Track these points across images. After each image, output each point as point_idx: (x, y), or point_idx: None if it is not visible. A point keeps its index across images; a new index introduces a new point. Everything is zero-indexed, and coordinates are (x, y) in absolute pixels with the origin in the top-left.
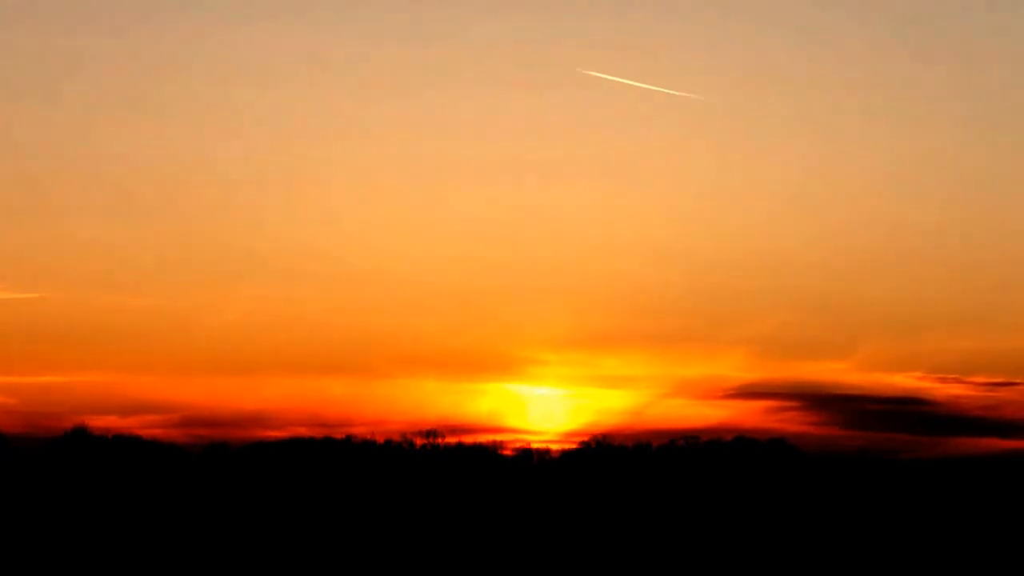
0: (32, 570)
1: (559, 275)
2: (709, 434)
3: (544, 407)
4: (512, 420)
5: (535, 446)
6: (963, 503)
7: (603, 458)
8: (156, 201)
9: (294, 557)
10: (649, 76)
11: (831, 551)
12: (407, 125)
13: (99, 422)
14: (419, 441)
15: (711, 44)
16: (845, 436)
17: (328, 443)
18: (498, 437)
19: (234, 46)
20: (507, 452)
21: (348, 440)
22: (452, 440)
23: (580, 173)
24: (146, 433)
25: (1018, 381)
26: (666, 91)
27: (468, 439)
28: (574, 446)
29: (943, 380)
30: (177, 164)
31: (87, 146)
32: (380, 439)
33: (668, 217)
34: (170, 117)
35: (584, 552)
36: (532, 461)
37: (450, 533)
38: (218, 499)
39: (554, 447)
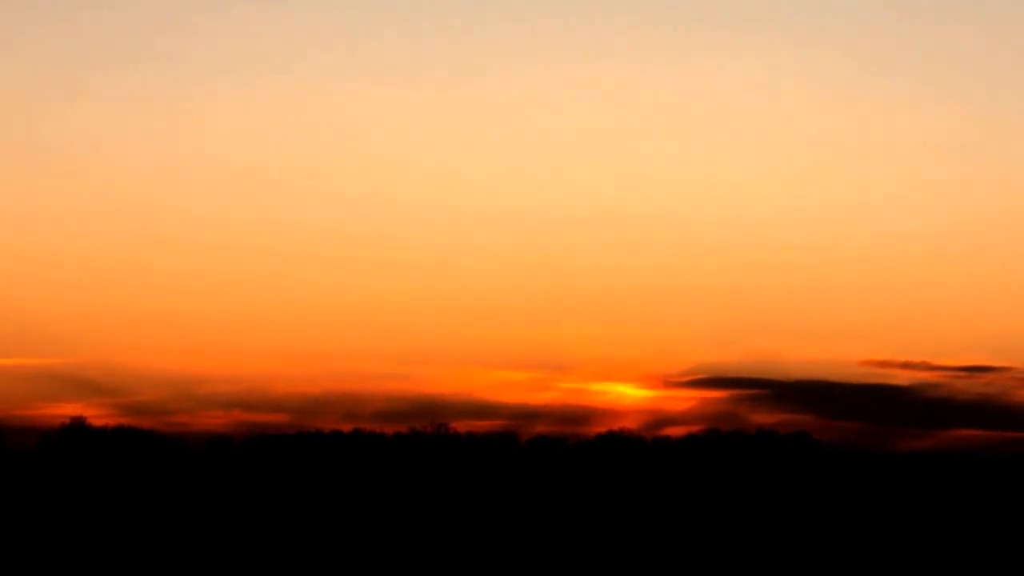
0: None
1: (491, 251)
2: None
3: (491, 389)
4: (465, 402)
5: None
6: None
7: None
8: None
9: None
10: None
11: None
12: (359, 125)
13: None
14: (429, 429)
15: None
16: (829, 428)
17: (337, 436)
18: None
19: None
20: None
21: (356, 433)
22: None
23: (517, 145)
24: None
25: (996, 366)
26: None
27: (418, 424)
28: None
29: (909, 366)
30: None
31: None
32: (390, 432)
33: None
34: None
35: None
36: (543, 451)
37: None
38: (220, 495)
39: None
